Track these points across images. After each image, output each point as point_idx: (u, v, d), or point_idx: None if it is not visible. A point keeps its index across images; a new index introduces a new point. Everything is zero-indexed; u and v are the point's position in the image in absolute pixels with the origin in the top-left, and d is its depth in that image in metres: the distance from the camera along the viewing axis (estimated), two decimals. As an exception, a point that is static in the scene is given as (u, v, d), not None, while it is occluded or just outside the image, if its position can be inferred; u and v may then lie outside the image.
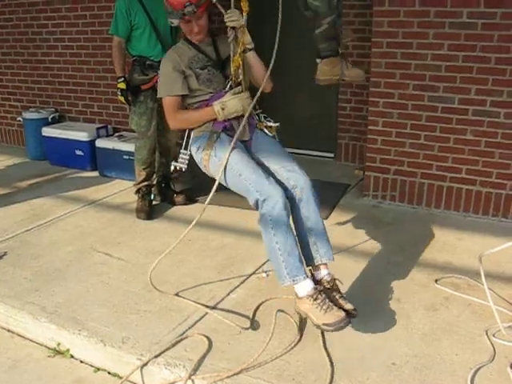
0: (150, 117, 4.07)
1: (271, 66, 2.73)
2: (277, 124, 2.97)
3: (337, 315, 2.40)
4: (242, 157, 2.68)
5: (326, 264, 2.67)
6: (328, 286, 2.57)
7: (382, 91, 4.20)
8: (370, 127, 4.34)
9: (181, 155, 2.94)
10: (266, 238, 2.55)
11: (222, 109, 2.79)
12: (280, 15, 2.72)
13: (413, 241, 3.68)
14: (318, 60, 3.00)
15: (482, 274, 2.59)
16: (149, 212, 4.19)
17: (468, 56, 3.90)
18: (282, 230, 2.48)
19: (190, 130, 2.94)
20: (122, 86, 3.96)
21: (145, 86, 3.98)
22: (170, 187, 4.51)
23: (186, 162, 2.94)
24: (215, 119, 2.84)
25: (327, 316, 2.39)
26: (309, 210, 2.64)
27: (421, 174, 4.25)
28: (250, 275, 3.25)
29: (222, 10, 2.79)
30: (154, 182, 4.44)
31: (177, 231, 3.81)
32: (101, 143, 5.27)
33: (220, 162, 2.68)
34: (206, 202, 2.71)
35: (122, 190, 4.84)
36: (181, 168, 2.95)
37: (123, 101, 4.02)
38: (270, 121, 2.98)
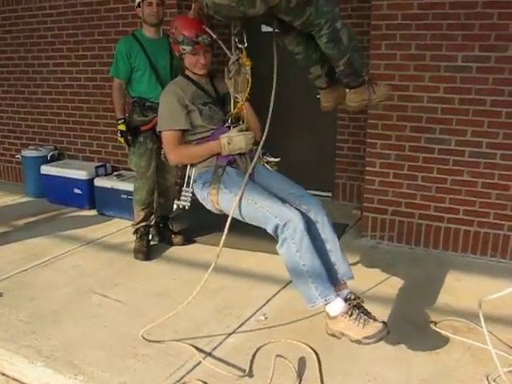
0: (149, 158, 4.09)
1: (267, 125, 2.79)
2: (277, 159, 3.00)
3: (376, 326, 2.41)
4: (253, 186, 2.72)
5: (346, 283, 2.71)
6: (355, 303, 2.57)
7: (379, 133, 4.24)
8: (367, 168, 4.37)
9: (183, 193, 2.94)
10: (290, 262, 2.56)
11: (229, 143, 2.81)
12: (275, 72, 2.77)
13: (412, 283, 3.66)
14: (346, 90, 3.00)
15: (482, 319, 2.57)
16: (147, 253, 4.17)
17: (464, 99, 3.97)
18: (307, 252, 2.51)
19: (191, 165, 2.95)
20: (122, 127, 4.00)
21: (144, 127, 4.01)
22: (168, 227, 4.50)
23: (189, 199, 2.94)
24: (218, 154, 2.86)
25: (367, 329, 2.40)
26: (325, 231, 2.70)
27: (418, 215, 4.26)
28: (249, 318, 3.23)
29: (224, 47, 2.85)
30: (152, 223, 4.43)
31: (175, 273, 3.82)
32: (99, 182, 5.29)
33: (233, 194, 2.68)
34: (222, 242, 2.69)
35: (120, 229, 4.83)
36: (184, 206, 2.94)
37: (123, 142, 4.05)
38: (269, 156, 3.00)
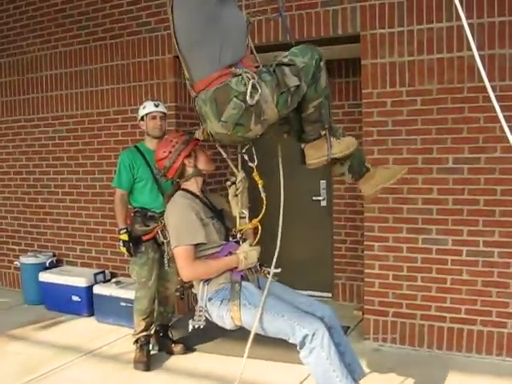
0: (151, 267, 4.11)
1: (279, 241, 2.90)
2: (279, 270, 2.95)
3: None
4: (274, 299, 2.73)
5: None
6: None
7: (376, 235, 4.30)
8: (366, 270, 4.39)
9: (197, 313, 2.84)
10: (321, 370, 2.58)
11: (245, 258, 2.82)
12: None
13: (417, 387, 3.60)
14: (302, 145, 2.84)
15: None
16: (147, 363, 4.09)
17: (457, 199, 4.06)
18: (335, 357, 2.55)
19: (204, 282, 2.86)
20: (124, 237, 4.04)
21: (146, 236, 4.06)
22: (168, 336, 4.44)
23: (204, 318, 2.85)
24: (231, 269, 2.84)
25: None
26: (339, 335, 2.79)
27: (420, 316, 4.23)
28: None
29: (231, 165, 2.91)
30: (152, 332, 4.38)
31: (176, 384, 3.73)
32: (98, 289, 5.26)
33: (257, 308, 2.67)
34: (245, 358, 2.69)
35: (120, 337, 4.75)
36: (199, 326, 2.85)
37: (125, 252, 4.09)
38: (267, 267, 2.96)
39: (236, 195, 2.86)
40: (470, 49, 2.02)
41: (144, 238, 4.07)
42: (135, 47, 5.34)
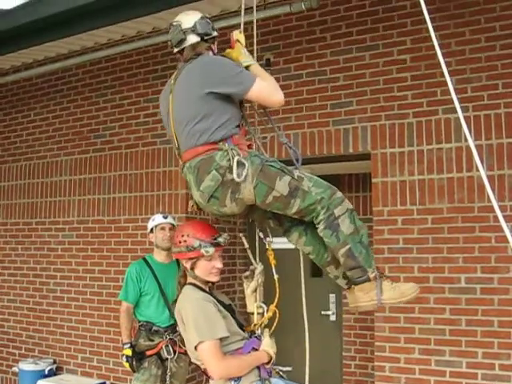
0: None
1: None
2: (290, 368, 2.93)
3: None
4: None
5: None
6: None
7: (387, 355, 4.17)
8: (377, 391, 4.23)
9: None
10: None
11: (274, 353, 2.70)
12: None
13: None
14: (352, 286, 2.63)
15: None
16: None
17: (471, 320, 3.96)
18: None
19: (235, 380, 2.63)
20: (128, 352, 3.96)
21: (150, 351, 3.98)
22: None
23: None
24: (258, 366, 2.68)
25: None
26: None
27: None
28: None
29: (250, 255, 2.82)
30: None
31: None
32: (97, 402, 5.07)
33: None
34: None
35: None
36: None
37: (128, 367, 3.98)
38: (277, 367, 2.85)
39: (255, 291, 2.76)
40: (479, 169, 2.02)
41: (148, 353, 3.98)
42: (149, 158, 5.46)
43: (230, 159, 2.49)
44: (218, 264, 2.76)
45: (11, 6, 4.65)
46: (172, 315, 3.77)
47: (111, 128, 5.75)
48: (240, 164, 2.48)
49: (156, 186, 5.39)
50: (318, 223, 2.54)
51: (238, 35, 2.83)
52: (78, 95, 6.05)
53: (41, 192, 6.28)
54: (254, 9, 2.99)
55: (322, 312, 5.45)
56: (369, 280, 2.53)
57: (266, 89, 2.65)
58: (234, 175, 2.44)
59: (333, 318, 5.42)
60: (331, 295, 5.39)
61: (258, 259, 2.79)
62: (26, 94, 6.48)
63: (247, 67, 2.74)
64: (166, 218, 4.25)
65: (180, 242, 2.75)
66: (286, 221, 2.71)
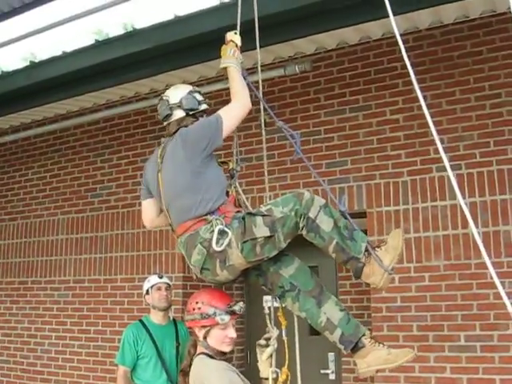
0: None
1: None
2: None
3: None
4: None
5: None
6: None
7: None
8: None
9: None
10: None
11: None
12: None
13: None
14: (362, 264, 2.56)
15: None
16: None
17: (472, 379, 3.92)
18: None
19: None
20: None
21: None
22: None
23: None
24: None
25: None
26: None
27: None
28: None
29: (268, 321, 2.79)
30: None
31: None
32: None
33: None
34: None
35: None
36: None
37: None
38: None
39: (270, 357, 2.70)
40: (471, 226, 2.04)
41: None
42: (146, 217, 5.48)
43: (212, 230, 2.54)
44: (232, 333, 2.67)
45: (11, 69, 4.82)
46: (169, 379, 3.77)
47: (108, 187, 5.81)
48: (223, 233, 2.52)
49: (153, 245, 5.40)
50: (301, 230, 2.55)
51: (232, 36, 2.88)
52: (75, 154, 6.13)
53: (37, 251, 6.28)
54: (259, 69, 3.07)
55: (321, 371, 5.36)
56: (366, 263, 2.52)
57: (233, 112, 2.76)
58: (213, 245, 2.49)
59: (332, 376, 5.31)
60: (330, 354, 5.30)
61: (272, 324, 2.76)
62: (24, 153, 6.57)
63: (225, 68, 2.82)
64: (161, 277, 4.23)
65: (194, 309, 2.66)
66: (277, 287, 2.68)
